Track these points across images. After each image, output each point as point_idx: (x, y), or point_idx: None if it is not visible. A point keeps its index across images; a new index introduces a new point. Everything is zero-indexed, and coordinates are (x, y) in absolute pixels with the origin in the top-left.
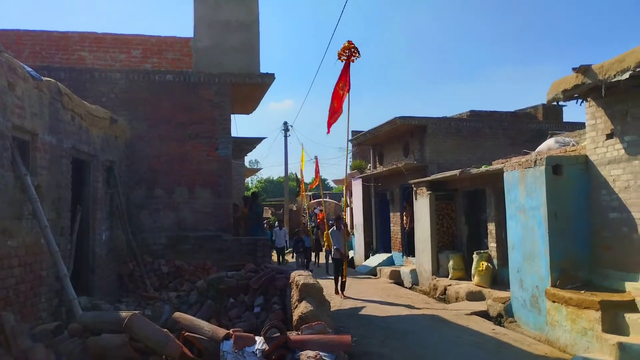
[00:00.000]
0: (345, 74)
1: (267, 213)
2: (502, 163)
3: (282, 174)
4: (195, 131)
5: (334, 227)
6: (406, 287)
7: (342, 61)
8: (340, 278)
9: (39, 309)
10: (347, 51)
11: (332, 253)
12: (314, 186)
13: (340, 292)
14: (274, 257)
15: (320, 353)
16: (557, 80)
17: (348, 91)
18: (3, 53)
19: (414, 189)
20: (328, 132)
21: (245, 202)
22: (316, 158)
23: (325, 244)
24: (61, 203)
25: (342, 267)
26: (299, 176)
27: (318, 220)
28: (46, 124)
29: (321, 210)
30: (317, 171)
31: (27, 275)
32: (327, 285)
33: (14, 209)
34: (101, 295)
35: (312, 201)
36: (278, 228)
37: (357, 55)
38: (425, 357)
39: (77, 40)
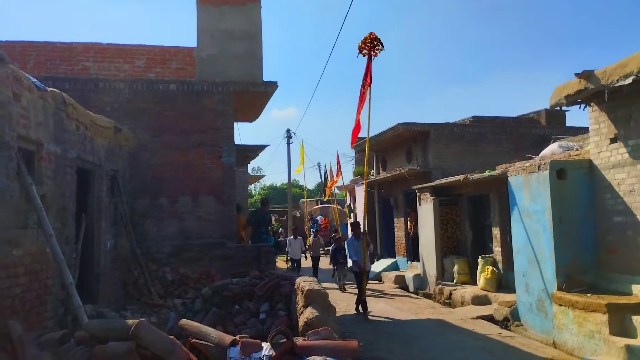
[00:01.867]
0: (367, 71)
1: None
2: (506, 168)
3: (285, 181)
4: (198, 140)
5: (352, 235)
6: (411, 292)
7: (363, 55)
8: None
9: (44, 318)
10: (369, 44)
11: (352, 266)
12: (335, 184)
13: (358, 309)
14: (282, 264)
15: (328, 358)
16: (560, 85)
17: (369, 85)
18: (8, 64)
19: (418, 194)
20: (352, 143)
21: (238, 210)
22: (337, 153)
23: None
24: (66, 212)
25: (362, 282)
26: (329, 172)
27: (322, 226)
28: (51, 134)
29: (325, 217)
30: (338, 167)
31: (33, 284)
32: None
33: (20, 218)
34: (106, 303)
35: (315, 207)
36: (292, 237)
37: (380, 47)
38: None
39: (81, 50)
